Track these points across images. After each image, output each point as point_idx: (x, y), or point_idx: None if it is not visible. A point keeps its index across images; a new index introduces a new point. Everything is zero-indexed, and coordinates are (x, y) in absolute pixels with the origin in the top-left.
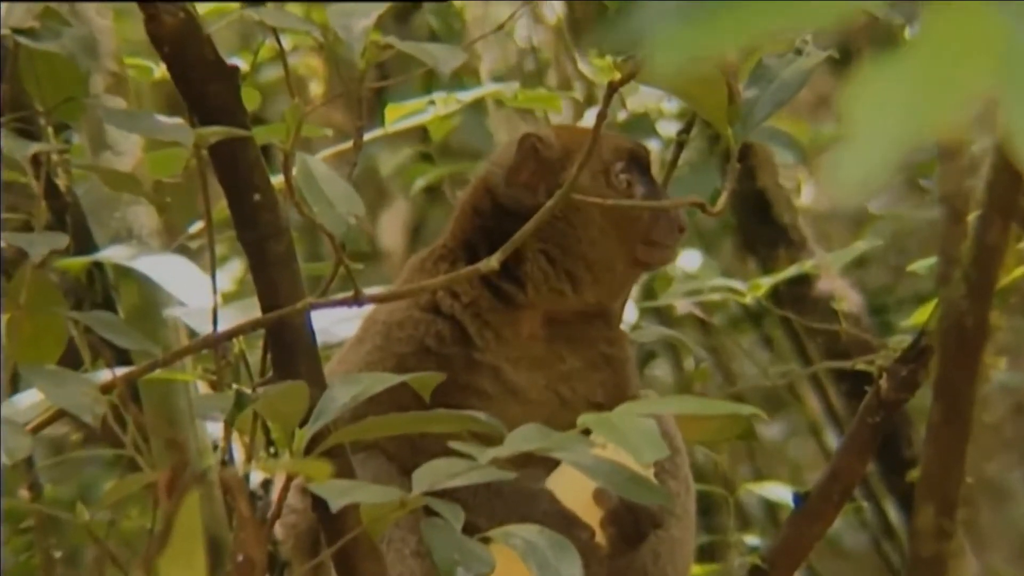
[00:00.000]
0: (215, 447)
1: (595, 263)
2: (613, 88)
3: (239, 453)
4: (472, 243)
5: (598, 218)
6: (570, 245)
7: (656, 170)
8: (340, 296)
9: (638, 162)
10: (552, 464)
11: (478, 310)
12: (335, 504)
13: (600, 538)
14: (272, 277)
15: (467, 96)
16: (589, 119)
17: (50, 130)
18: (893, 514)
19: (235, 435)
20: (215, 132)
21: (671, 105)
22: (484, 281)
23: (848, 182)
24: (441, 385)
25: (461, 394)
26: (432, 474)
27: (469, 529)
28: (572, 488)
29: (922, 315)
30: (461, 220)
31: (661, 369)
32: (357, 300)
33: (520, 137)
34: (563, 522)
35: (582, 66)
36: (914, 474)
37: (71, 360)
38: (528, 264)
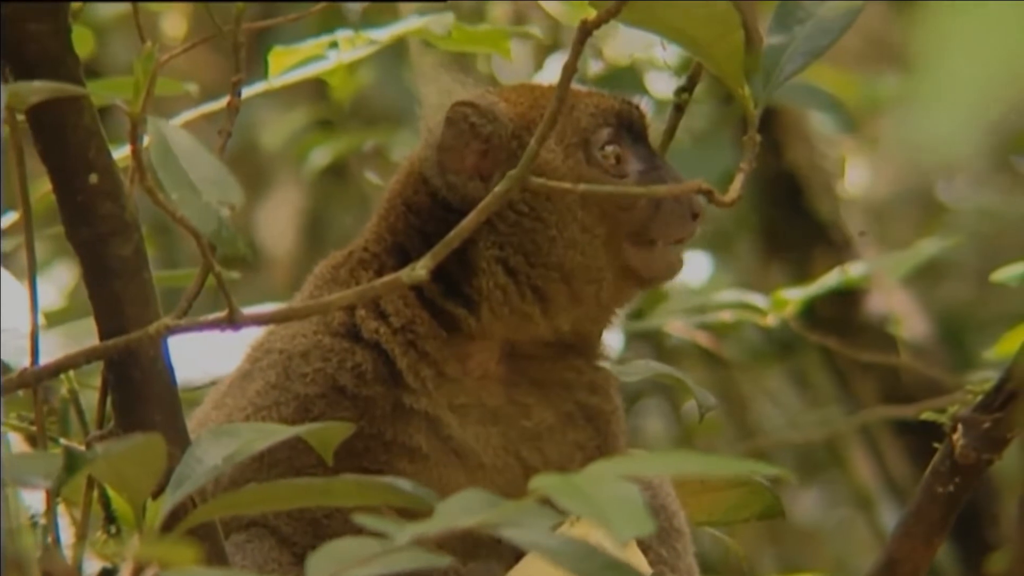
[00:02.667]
0: (34, 524)
1: (573, 273)
2: (587, 29)
3: (68, 533)
4: (405, 248)
5: (576, 210)
6: (538, 250)
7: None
8: (209, 317)
9: (629, 128)
10: (512, 553)
11: (413, 337)
12: None
13: None
14: (114, 290)
15: (382, 36)
16: (553, 71)
17: None
18: None
19: (63, 507)
20: (35, 89)
21: (666, 54)
22: (422, 300)
23: (927, 139)
24: (358, 440)
25: (385, 453)
26: (333, 559)
27: None
28: None
29: (1011, 343)
30: (389, 218)
31: (652, 418)
32: (232, 322)
33: (451, 106)
34: None
35: None
36: (999, 561)
37: None
38: (482, 278)
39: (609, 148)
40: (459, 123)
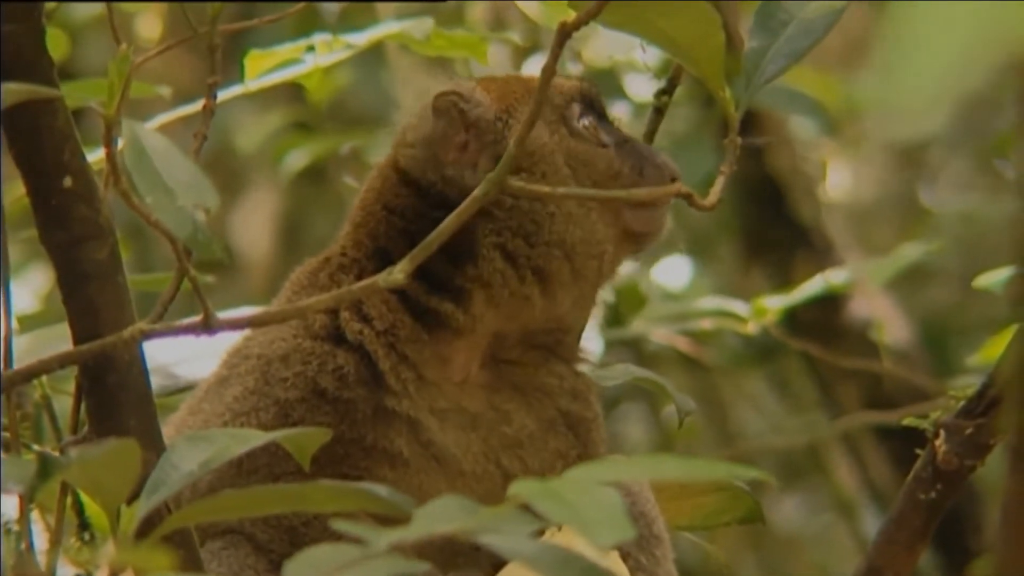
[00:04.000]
0: (7, 530)
1: (575, 248)
2: (566, 31)
3: (41, 539)
4: (387, 251)
5: (571, 184)
6: (539, 229)
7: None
8: (184, 321)
9: (592, 104)
10: (490, 562)
11: (394, 340)
12: None
13: None
14: (89, 294)
15: (360, 39)
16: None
17: None
18: None
19: (36, 513)
20: (9, 91)
21: (647, 56)
22: (404, 303)
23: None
24: (338, 446)
25: (365, 459)
26: (309, 566)
27: None
28: None
29: (994, 349)
30: (369, 223)
31: (632, 423)
32: (207, 326)
33: (435, 98)
34: None
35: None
36: (982, 568)
37: None
38: (481, 265)
39: (586, 120)
40: (449, 111)
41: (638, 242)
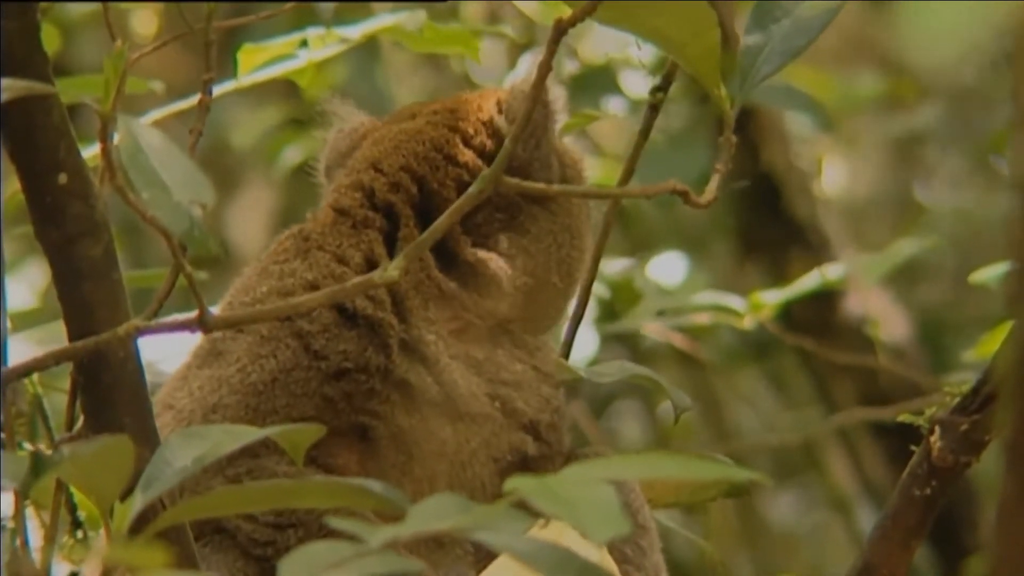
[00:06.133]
0: (2, 527)
1: (583, 262)
2: (562, 28)
3: (36, 536)
4: (425, 208)
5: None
6: (580, 235)
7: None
8: (179, 318)
9: None
10: (479, 554)
11: (423, 281)
12: None
13: None
14: (84, 292)
15: (353, 34)
16: (526, 70)
17: None
18: None
19: (31, 510)
20: (5, 87)
21: (642, 53)
22: (437, 252)
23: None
24: (364, 376)
25: (385, 401)
26: (304, 564)
27: None
28: None
29: (990, 345)
30: (421, 167)
31: (627, 420)
32: (203, 323)
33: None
34: None
35: None
36: (977, 565)
37: None
38: (528, 239)
39: None
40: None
41: None
